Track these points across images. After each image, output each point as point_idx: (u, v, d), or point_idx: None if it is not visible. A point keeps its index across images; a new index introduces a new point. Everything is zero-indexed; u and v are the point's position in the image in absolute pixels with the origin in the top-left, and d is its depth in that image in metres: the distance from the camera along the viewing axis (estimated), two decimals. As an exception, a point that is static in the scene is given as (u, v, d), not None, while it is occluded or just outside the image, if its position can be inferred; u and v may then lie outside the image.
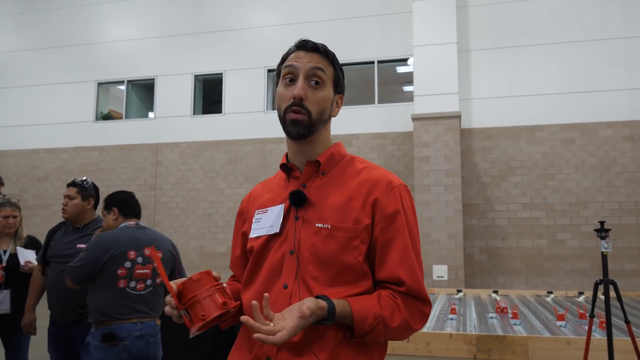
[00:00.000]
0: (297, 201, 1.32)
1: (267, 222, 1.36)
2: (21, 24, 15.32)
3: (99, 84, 14.56)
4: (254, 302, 1.10)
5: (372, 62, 12.74)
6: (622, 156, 11.01)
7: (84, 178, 3.40)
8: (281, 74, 1.39)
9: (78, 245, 3.15)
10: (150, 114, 14.55)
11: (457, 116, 11.19)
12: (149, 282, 2.91)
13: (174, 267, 3.08)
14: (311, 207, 1.31)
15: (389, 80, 13.92)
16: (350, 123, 12.52)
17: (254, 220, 1.40)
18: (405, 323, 1.25)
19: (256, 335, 1.08)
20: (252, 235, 1.38)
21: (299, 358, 1.20)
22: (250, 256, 1.37)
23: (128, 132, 14.10)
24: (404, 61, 12.82)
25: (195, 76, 13.85)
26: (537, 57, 11.61)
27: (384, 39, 12.65)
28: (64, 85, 14.66)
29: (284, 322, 1.11)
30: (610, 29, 11.33)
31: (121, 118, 14.55)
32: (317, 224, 1.28)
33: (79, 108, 14.47)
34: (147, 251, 2.92)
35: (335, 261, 1.25)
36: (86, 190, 3.30)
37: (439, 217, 10.93)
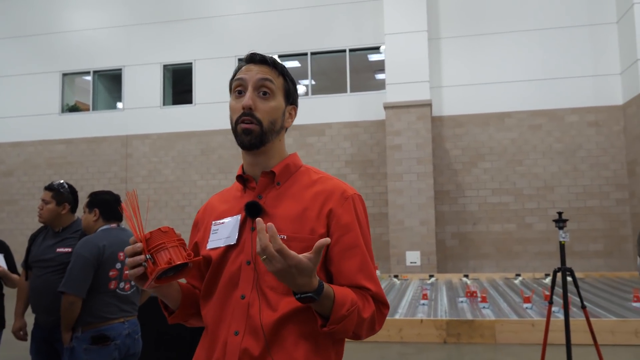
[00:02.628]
0: (252, 212, 1.34)
1: (224, 233, 1.37)
2: (-19, 13, 14.80)
3: (64, 74, 14.21)
4: (269, 224, 1.10)
5: (344, 51, 12.74)
6: (587, 141, 11.32)
7: (61, 181, 3.32)
8: (232, 88, 1.41)
9: (58, 250, 3.12)
10: (119, 105, 14.29)
11: (428, 104, 11.31)
12: (134, 282, 2.92)
13: None
14: (267, 218, 1.33)
15: (361, 69, 13.96)
16: (322, 112, 12.54)
17: (211, 232, 1.41)
18: (373, 318, 1.29)
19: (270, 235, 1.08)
20: (210, 246, 1.39)
21: None
22: (207, 268, 1.39)
23: (96, 124, 13.83)
24: (375, 49, 12.85)
25: (164, 66, 13.64)
26: (506, 45, 11.79)
27: (356, 27, 12.65)
28: (27, 76, 14.26)
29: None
30: (576, 16, 11.56)
31: (88, 110, 14.25)
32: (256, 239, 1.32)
33: (44, 100, 14.10)
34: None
35: None
36: (61, 195, 3.22)
37: (412, 204, 11.09)
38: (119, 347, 2.84)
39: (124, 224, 3.14)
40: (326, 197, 1.34)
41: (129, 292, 2.96)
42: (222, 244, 1.36)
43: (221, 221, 1.40)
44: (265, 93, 1.36)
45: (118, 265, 2.90)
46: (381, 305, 1.32)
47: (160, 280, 1.20)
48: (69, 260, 2.91)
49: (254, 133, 1.34)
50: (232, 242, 1.34)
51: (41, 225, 3.36)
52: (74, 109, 14.34)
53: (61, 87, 14.15)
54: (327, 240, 1.11)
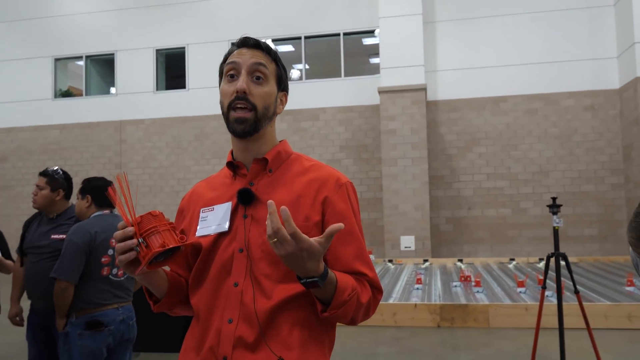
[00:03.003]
0: (245, 199, 1.32)
1: (214, 220, 1.35)
2: (-30, -4, 14.57)
3: (56, 59, 14.05)
4: (283, 207, 1.07)
5: (338, 35, 12.62)
6: (583, 125, 11.30)
7: (55, 168, 3.31)
8: (223, 72, 1.37)
9: (52, 236, 3.12)
10: (112, 90, 14.17)
11: (422, 89, 11.25)
12: (123, 269, 2.91)
13: None
14: (260, 205, 1.31)
15: (356, 53, 13.84)
16: (317, 97, 12.47)
17: (200, 219, 1.38)
18: (369, 303, 1.30)
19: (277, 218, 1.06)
20: (199, 234, 1.36)
21: (256, 354, 1.22)
22: (195, 255, 1.36)
23: (89, 109, 13.71)
24: (370, 33, 12.74)
25: (157, 50, 13.49)
26: (502, 28, 11.70)
27: (350, 11, 12.52)
28: (19, 61, 14.10)
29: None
30: (572, -1, 11.47)
31: (81, 95, 14.12)
32: (267, 222, 1.30)
33: (37, 85, 13.97)
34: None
35: None
36: (56, 181, 3.21)
37: (406, 189, 11.08)
38: (112, 333, 2.86)
39: (117, 210, 3.11)
40: (320, 185, 1.34)
41: (122, 278, 2.96)
42: (212, 231, 1.33)
43: (210, 208, 1.38)
44: (258, 78, 1.34)
45: (110, 252, 2.89)
46: (375, 291, 1.33)
47: (151, 265, 1.18)
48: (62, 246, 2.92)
49: (248, 121, 1.31)
50: (224, 229, 1.32)
51: (36, 211, 3.35)
52: (67, 94, 14.21)
53: (53, 72, 14.00)
54: (341, 225, 1.09)
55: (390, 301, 6.47)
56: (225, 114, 1.34)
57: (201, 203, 1.41)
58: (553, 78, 11.41)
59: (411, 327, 5.89)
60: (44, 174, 3.23)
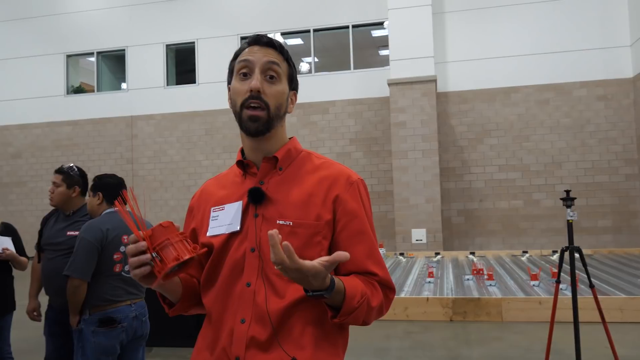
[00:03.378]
0: (256, 198, 1.31)
1: (225, 219, 1.34)
2: (-19, -6, 14.68)
3: (68, 56, 14.14)
4: (274, 231, 1.07)
5: (347, 27, 12.56)
6: (596, 116, 11.16)
7: (71, 165, 3.34)
8: (235, 69, 1.36)
9: (68, 233, 3.15)
10: (123, 86, 14.24)
11: (432, 80, 11.16)
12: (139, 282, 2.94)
13: None
14: (270, 204, 1.31)
15: (365, 45, 13.77)
16: (326, 89, 12.43)
17: (210, 218, 1.38)
18: (381, 305, 1.29)
19: (279, 253, 1.06)
20: (210, 233, 1.35)
21: (269, 354, 1.22)
22: (207, 256, 1.36)
23: (101, 105, 13.80)
24: (379, 25, 12.66)
25: (167, 46, 13.52)
26: (512, 18, 11.56)
27: (359, 3, 12.45)
28: (31, 58, 14.21)
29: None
30: (584, -13, 11.30)
31: (93, 91, 14.21)
32: (278, 221, 1.28)
33: (49, 82, 14.08)
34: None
35: (298, 257, 1.26)
36: (72, 178, 3.25)
37: (417, 182, 11.04)
38: (126, 330, 2.88)
39: (128, 207, 3.12)
40: (331, 183, 1.33)
41: None
42: (223, 230, 1.33)
43: (221, 207, 1.37)
44: (272, 77, 1.33)
45: (122, 249, 2.91)
46: (387, 290, 1.33)
47: (166, 277, 1.18)
48: None
49: (261, 120, 1.30)
50: (235, 228, 1.31)
51: (52, 208, 3.38)
52: (78, 90, 14.32)
53: (65, 69, 14.10)
54: (347, 255, 1.10)
55: (402, 295, 6.46)
56: (238, 113, 1.32)
57: (211, 202, 1.41)
58: (565, 68, 11.27)
59: (423, 321, 5.88)
60: (59, 171, 3.25)
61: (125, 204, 1.28)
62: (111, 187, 3.05)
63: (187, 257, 1.14)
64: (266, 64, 1.32)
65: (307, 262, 1.08)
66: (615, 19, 11.15)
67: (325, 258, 1.10)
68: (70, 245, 3.04)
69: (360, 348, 4.93)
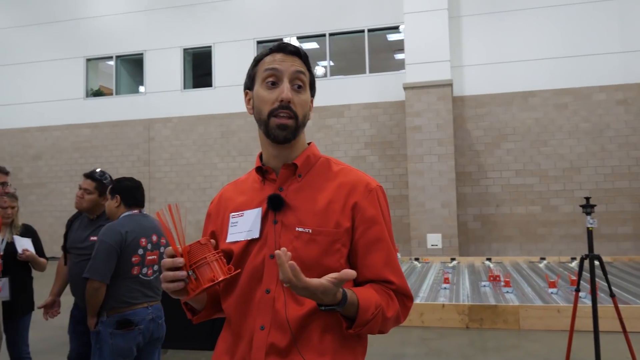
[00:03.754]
0: (275, 205, 1.31)
1: (244, 226, 1.34)
2: (5, 1, 14.97)
3: (88, 60, 14.35)
4: (283, 250, 1.09)
5: (363, 31, 12.55)
6: (616, 120, 10.99)
7: (101, 170, 3.38)
8: (259, 77, 1.35)
9: (91, 238, 3.20)
10: (141, 89, 14.40)
11: (449, 84, 11.10)
12: (156, 267, 3.01)
13: None
14: (290, 211, 1.31)
15: (380, 49, 13.74)
16: (341, 93, 12.43)
17: (229, 224, 1.38)
18: (397, 315, 1.29)
19: (286, 269, 1.07)
20: (230, 239, 1.36)
21: None
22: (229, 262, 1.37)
23: (119, 108, 13.97)
24: (395, 29, 12.63)
25: (184, 50, 13.65)
26: (529, 22, 11.46)
27: (374, 7, 12.43)
28: (52, 62, 14.45)
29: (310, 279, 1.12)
30: (604, -10, 11.15)
31: (111, 94, 14.40)
32: (297, 228, 1.28)
33: (69, 85, 14.30)
34: (154, 237, 3.01)
35: (317, 265, 1.25)
36: (104, 187, 3.29)
37: (432, 186, 10.97)
38: (142, 332, 2.90)
39: (146, 209, 3.16)
40: (350, 190, 1.32)
41: (151, 278, 3.00)
42: (243, 237, 1.33)
43: (240, 213, 1.37)
44: (299, 86, 1.34)
45: (140, 251, 2.94)
46: (405, 299, 1.33)
47: (203, 291, 1.18)
48: None
49: (289, 128, 1.31)
50: (255, 235, 1.31)
51: (75, 210, 3.44)
52: (97, 93, 14.52)
53: (85, 72, 14.31)
54: (354, 274, 1.11)
55: (417, 301, 6.41)
56: (265, 121, 1.32)
57: (230, 208, 1.41)
58: (583, 72, 11.13)
59: (439, 328, 5.83)
60: (92, 177, 3.28)
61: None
62: (129, 190, 3.08)
63: (221, 278, 1.15)
64: (294, 74, 1.33)
65: (315, 281, 1.09)
66: (635, 22, 10.99)
67: (333, 275, 1.11)
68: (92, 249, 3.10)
69: (375, 354, 4.90)
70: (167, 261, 1.17)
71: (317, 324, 1.24)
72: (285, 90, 1.30)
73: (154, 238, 3.02)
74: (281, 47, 1.35)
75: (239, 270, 1.26)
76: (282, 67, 1.32)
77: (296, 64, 1.33)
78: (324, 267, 1.25)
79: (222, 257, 1.19)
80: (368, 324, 1.21)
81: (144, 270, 2.95)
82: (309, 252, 1.26)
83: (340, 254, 1.28)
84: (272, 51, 1.36)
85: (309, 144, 1.43)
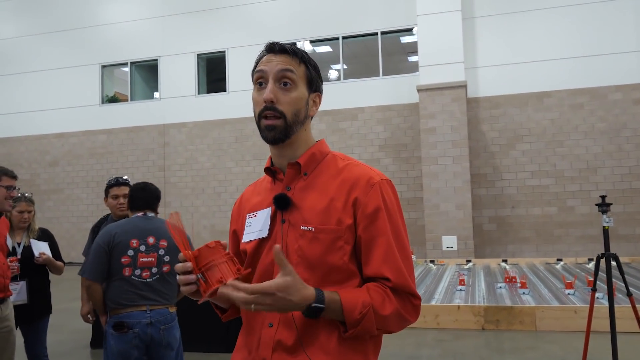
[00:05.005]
0: (281, 205, 1.33)
1: (257, 226, 1.37)
2: (20, 9, 15.27)
3: (103, 66, 14.55)
4: (277, 246, 1.13)
5: (376, 34, 12.56)
6: (633, 120, 10.85)
7: (125, 177, 3.69)
8: (253, 80, 1.38)
9: None
10: (156, 95, 14.56)
11: (463, 86, 11.05)
12: (154, 270, 2.98)
13: None
14: (296, 210, 1.32)
15: (394, 51, 13.74)
16: (355, 96, 12.44)
17: (246, 225, 1.42)
18: (398, 312, 1.26)
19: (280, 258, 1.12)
20: (244, 239, 1.39)
21: (294, 357, 1.23)
22: (244, 259, 1.41)
23: (134, 114, 14.14)
24: (408, 31, 12.62)
25: (198, 55, 13.77)
26: (543, 22, 11.37)
27: (387, 9, 12.44)
28: (68, 69, 14.67)
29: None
30: (619, -12, 11.03)
31: (127, 100, 14.57)
32: (301, 227, 1.29)
33: (85, 92, 14.51)
34: (150, 240, 3.00)
35: (321, 263, 1.26)
36: None
37: (447, 188, 10.91)
38: (138, 336, 2.86)
39: (162, 214, 3.20)
40: (351, 186, 1.32)
41: (149, 280, 2.95)
42: (255, 237, 1.36)
43: (254, 214, 1.40)
44: (286, 84, 1.33)
45: (130, 252, 2.94)
46: (409, 297, 1.29)
47: (211, 295, 1.22)
48: None
49: (277, 128, 1.31)
50: (264, 235, 1.34)
51: (102, 216, 3.78)
52: (113, 99, 14.71)
53: (100, 79, 14.51)
54: (278, 247, 1.12)
55: (433, 302, 6.38)
56: (257, 122, 1.34)
57: (247, 208, 1.45)
58: (599, 71, 11.00)
59: (454, 330, 5.79)
60: (126, 183, 3.58)
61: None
62: (133, 193, 3.15)
63: (229, 279, 1.17)
64: (279, 72, 1.32)
65: (261, 284, 1.11)
66: (653, 20, 10.85)
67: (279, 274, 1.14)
68: None
69: (390, 356, 4.89)
70: (178, 266, 1.20)
71: (324, 322, 1.24)
72: (267, 90, 1.31)
73: (151, 240, 3.00)
74: (269, 48, 1.36)
75: (249, 270, 1.27)
76: (267, 68, 1.33)
77: (283, 62, 1.33)
78: (327, 265, 1.27)
79: (233, 259, 1.21)
80: (360, 325, 1.20)
81: (137, 271, 2.93)
82: (312, 250, 1.27)
83: (343, 252, 1.27)
84: (265, 52, 1.38)
85: (318, 141, 1.43)
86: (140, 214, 3.09)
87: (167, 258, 2.99)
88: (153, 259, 2.98)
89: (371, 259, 1.28)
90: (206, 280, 1.18)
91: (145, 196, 3.11)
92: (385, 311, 1.23)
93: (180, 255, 1.21)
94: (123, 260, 2.91)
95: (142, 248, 2.96)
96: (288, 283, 1.11)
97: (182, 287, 1.21)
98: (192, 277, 1.18)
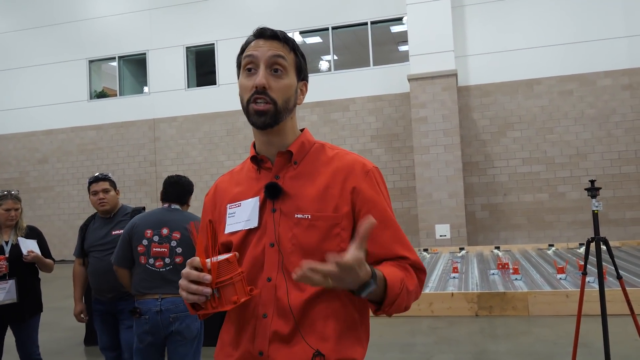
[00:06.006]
0: (272, 193, 1.31)
1: (242, 216, 1.34)
2: (5, 4, 15.05)
3: (90, 61, 14.41)
4: (371, 219, 1.09)
5: (366, 24, 12.52)
6: (622, 105, 10.92)
7: (104, 173, 3.71)
8: (241, 65, 1.35)
9: (114, 232, 3.47)
10: (145, 89, 14.45)
11: (453, 74, 11.06)
12: (167, 260, 3.06)
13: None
14: (288, 199, 1.30)
15: (384, 41, 13.70)
16: (346, 87, 12.41)
17: (227, 215, 1.38)
18: (416, 288, 1.30)
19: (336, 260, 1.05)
20: (228, 230, 1.36)
21: (292, 347, 1.23)
22: (223, 252, 1.38)
23: (124, 109, 14.03)
24: (398, 20, 12.59)
25: (187, 48, 13.67)
26: (532, 9, 11.38)
27: (376, -1, 12.39)
28: (55, 65, 14.51)
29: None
30: (607, -26, 11.05)
31: (116, 95, 14.45)
32: (296, 215, 1.28)
33: (73, 87, 14.36)
34: (164, 231, 3.09)
35: (318, 250, 1.25)
36: (114, 183, 3.65)
37: (439, 177, 10.95)
38: (148, 322, 2.98)
39: (194, 207, 3.24)
40: (347, 173, 1.32)
41: (161, 270, 3.04)
42: (241, 227, 1.33)
43: (237, 204, 1.37)
44: (277, 70, 1.30)
45: (145, 242, 3.07)
46: (419, 272, 1.33)
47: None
48: None
49: (268, 114, 1.28)
50: (254, 225, 1.31)
51: (89, 215, 3.72)
52: (101, 95, 14.58)
53: (88, 74, 14.37)
54: (373, 221, 1.08)
55: (427, 290, 6.42)
56: (245, 108, 1.31)
57: (227, 199, 1.40)
58: (588, 58, 11.04)
59: (448, 317, 5.84)
60: (105, 178, 3.57)
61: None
62: (163, 186, 3.31)
63: (242, 300, 1.15)
64: (271, 58, 1.29)
65: (346, 258, 1.05)
66: (639, 6, 10.87)
67: (355, 242, 1.08)
68: (117, 243, 3.33)
69: (385, 344, 4.92)
70: (193, 274, 1.14)
71: (319, 309, 1.24)
72: (260, 76, 1.28)
73: (164, 231, 3.08)
74: (259, 33, 1.33)
75: (259, 291, 1.26)
76: (258, 53, 1.30)
77: (274, 48, 1.31)
78: (324, 252, 1.23)
79: (244, 277, 1.19)
80: (396, 301, 1.21)
81: (151, 260, 3.05)
82: (308, 238, 1.26)
83: (341, 238, 1.27)
84: (254, 37, 1.35)
85: (302, 130, 1.42)
86: (166, 205, 3.24)
87: (179, 250, 3.06)
88: (165, 250, 3.07)
89: (381, 241, 1.29)
90: (220, 297, 1.13)
91: (174, 190, 3.26)
92: (411, 287, 1.27)
93: (196, 260, 1.16)
94: (139, 248, 3.06)
95: (156, 238, 3.07)
96: (362, 259, 1.08)
97: (185, 294, 1.14)
98: (208, 291, 1.12)
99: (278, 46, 1.32)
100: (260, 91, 1.28)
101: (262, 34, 1.33)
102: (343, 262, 1.05)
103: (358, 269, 1.08)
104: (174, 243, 3.07)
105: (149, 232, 3.07)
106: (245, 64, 1.33)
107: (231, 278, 1.14)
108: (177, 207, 3.23)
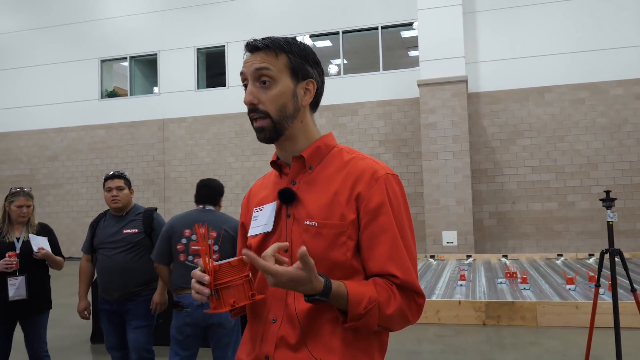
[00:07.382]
0: (285, 199, 1.31)
1: (262, 220, 1.35)
2: (20, 3, 15.18)
3: (102, 61, 14.49)
4: (303, 248, 1.10)
5: (376, 28, 12.50)
6: (634, 115, 10.82)
7: (118, 170, 3.72)
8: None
9: (125, 231, 3.50)
10: (155, 90, 14.50)
11: (463, 80, 11.01)
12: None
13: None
14: (300, 204, 1.30)
15: (394, 46, 13.68)
16: (355, 91, 12.40)
17: (252, 218, 1.40)
18: (401, 311, 1.23)
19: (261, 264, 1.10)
20: (250, 234, 1.38)
21: (297, 354, 1.22)
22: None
23: (134, 108, 14.09)
24: (408, 25, 12.56)
25: (198, 49, 13.72)
26: (545, 16, 11.32)
27: (387, 4, 12.38)
28: (67, 64, 14.61)
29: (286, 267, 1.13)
30: (621, -17, 10.97)
31: (126, 95, 14.52)
32: (305, 222, 1.27)
33: (84, 86, 14.45)
34: (201, 230, 3.09)
35: (324, 258, 1.24)
36: (129, 181, 3.68)
37: (448, 184, 10.89)
38: (190, 315, 3.16)
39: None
40: (355, 180, 1.28)
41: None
42: (259, 231, 1.34)
43: (260, 208, 1.39)
44: (264, 82, 1.30)
45: (184, 241, 3.26)
46: (414, 295, 1.26)
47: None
48: (136, 240, 3.45)
49: (266, 129, 1.29)
50: (269, 229, 1.32)
51: (100, 212, 3.74)
52: (112, 94, 14.65)
53: (100, 74, 14.45)
54: (304, 249, 1.08)
55: (434, 298, 6.37)
56: (251, 123, 1.34)
57: (254, 202, 1.44)
58: (600, 66, 10.96)
59: (455, 325, 5.79)
60: (120, 176, 3.59)
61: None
62: (197, 189, 3.46)
63: (241, 304, 1.17)
64: (255, 72, 1.29)
65: (277, 267, 1.09)
66: (654, 15, 10.80)
67: (297, 263, 1.11)
68: (128, 242, 3.46)
69: (391, 351, 4.88)
70: (196, 274, 1.20)
71: (327, 319, 1.22)
72: (246, 93, 1.30)
73: (201, 230, 3.16)
74: (245, 47, 1.34)
75: (263, 297, 1.25)
76: (245, 69, 1.32)
77: (257, 61, 1.30)
78: (330, 261, 1.24)
79: (251, 281, 1.20)
80: (362, 319, 1.17)
81: (190, 258, 3.24)
82: (316, 245, 1.24)
83: (347, 247, 1.24)
84: (246, 51, 1.36)
85: (326, 134, 1.40)
86: (200, 206, 3.40)
87: (215, 247, 3.22)
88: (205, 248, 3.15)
89: (376, 255, 1.25)
90: (219, 298, 1.16)
91: (206, 192, 3.42)
92: (389, 310, 1.20)
93: (200, 265, 1.20)
94: (178, 247, 3.25)
95: (194, 237, 3.25)
96: (299, 276, 1.10)
97: (194, 294, 1.20)
98: (206, 291, 1.17)
99: (262, 57, 1.30)
100: (251, 108, 1.30)
101: (247, 47, 1.34)
102: (272, 270, 1.09)
103: (293, 285, 1.11)
104: (210, 241, 3.24)
105: (187, 232, 3.26)
106: (242, 81, 1.35)
107: (230, 281, 1.16)
108: (211, 208, 3.41)
